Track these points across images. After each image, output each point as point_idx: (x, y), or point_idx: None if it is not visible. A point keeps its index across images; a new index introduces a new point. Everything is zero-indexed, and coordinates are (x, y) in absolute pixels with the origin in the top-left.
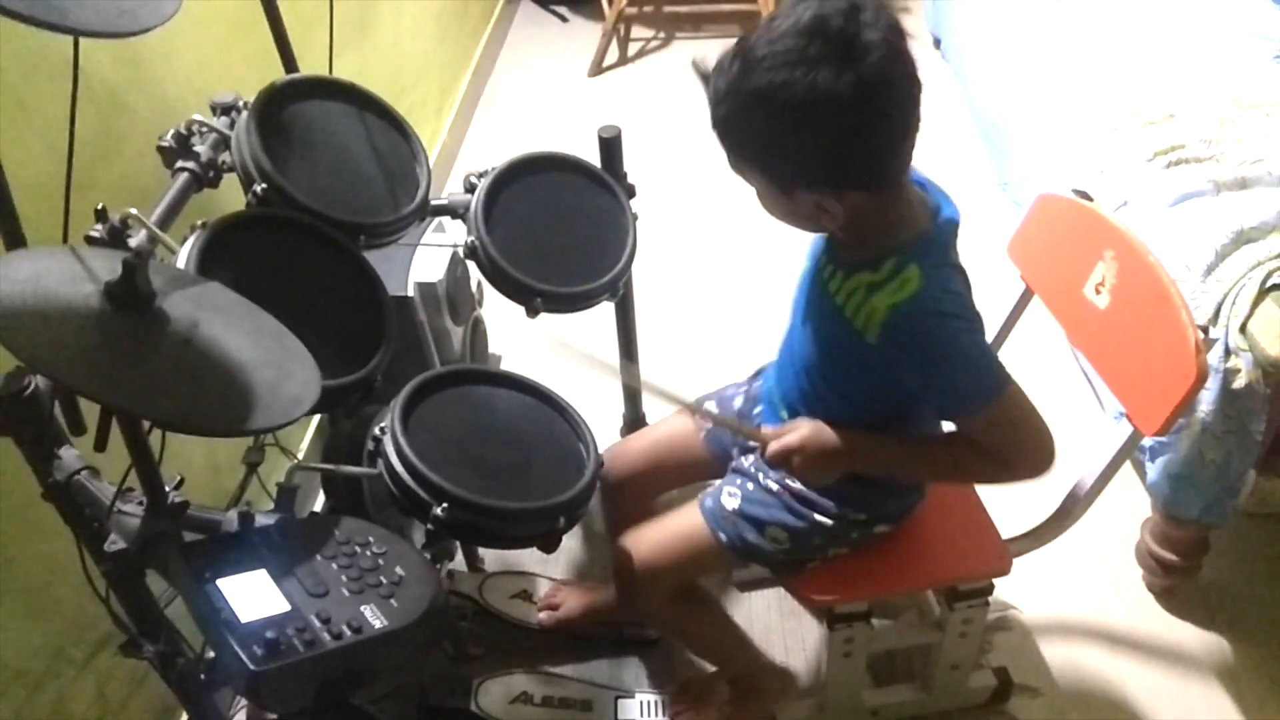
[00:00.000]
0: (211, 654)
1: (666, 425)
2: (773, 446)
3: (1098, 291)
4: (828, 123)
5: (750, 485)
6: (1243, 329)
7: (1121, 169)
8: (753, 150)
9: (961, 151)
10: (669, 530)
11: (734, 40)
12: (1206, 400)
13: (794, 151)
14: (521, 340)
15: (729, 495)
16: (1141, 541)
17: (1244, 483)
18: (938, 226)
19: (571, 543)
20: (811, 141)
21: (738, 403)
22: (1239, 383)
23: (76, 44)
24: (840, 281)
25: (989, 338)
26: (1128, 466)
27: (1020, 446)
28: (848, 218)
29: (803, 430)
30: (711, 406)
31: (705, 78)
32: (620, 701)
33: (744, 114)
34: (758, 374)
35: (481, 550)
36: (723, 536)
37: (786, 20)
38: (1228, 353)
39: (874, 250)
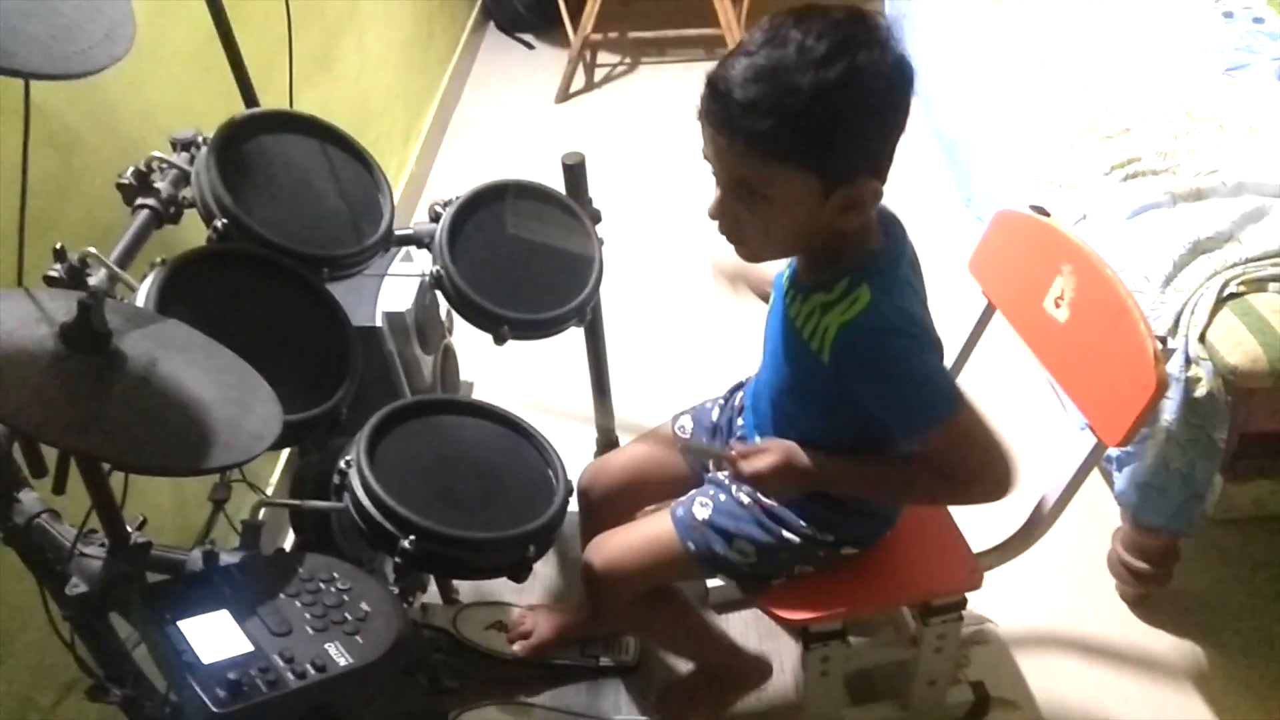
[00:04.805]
0: (176, 698)
1: (646, 442)
2: (744, 469)
3: (1057, 305)
4: (885, 100)
5: (722, 496)
6: (1202, 338)
7: (1080, 183)
8: (824, 143)
9: (925, 169)
10: (638, 535)
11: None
12: (1169, 409)
13: (860, 136)
14: (493, 368)
15: (701, 505)
16: (1113, 551)
17: (1210, 489)
18: (889, 242)
19: (546, 569)
20: (878, 121)
21: (715, 415)
22: (1200, 391)
23: (27, 86)
24: (799, 305)
25: (954, 353)
26: (1097, 477)
27: (974, 469)
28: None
29: (773, 455)
30: (686, 421)
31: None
32: None
33: (822, 104)
34: (736, 388)
35: (455, 581)
36: (691, 546)
37: (811, 21)
38: (1188, 362)
39: (830, 271)
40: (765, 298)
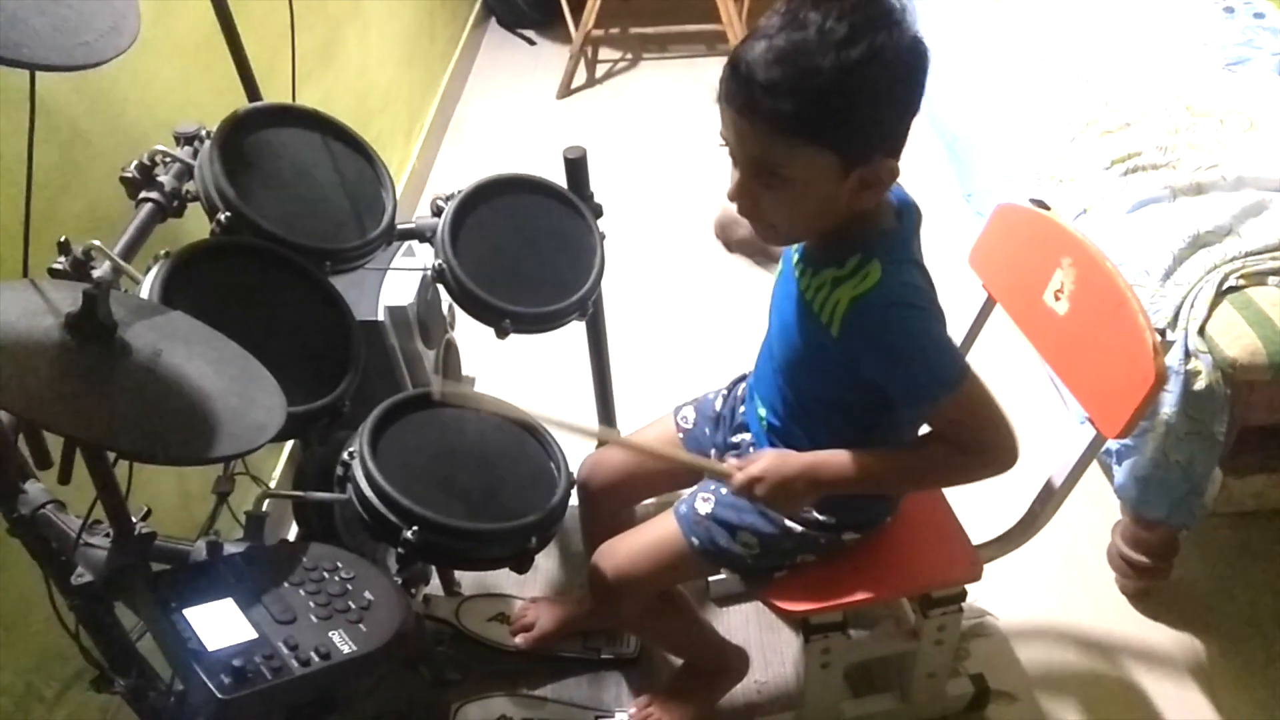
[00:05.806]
0: (181, 685)
1: (647, 433)
2: (736, 479)
3: (1057, 298)
4: (903, 80)
5: (724, 490)
6: (1201, 331)
7: (1080, 177)
8: (844, 124)
9: (926, 164)
10: (643, 539)
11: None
12: (1169, 402)
13: (879, 116)
14: (494, 362)
15: (703, 500)
16: (1113, 544)
17: (1210, 482)
18: (901, 223)
19: (548, 562)
20: (896, 101)
21: (718, 405)
22: (1200, 384)
23: (33, 77)
24: (809, 278)
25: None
26: (1096, 470)
27: (985, 439)
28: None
29: (764, 461)
30: (689, 412)
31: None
32: None
33: (843, 85)
34: (739, 380)
35: (457, 573)
36: (695, 540)
37: (829, 3)
38: (1188, 355)
39: (842, 247)
40: (755, 256)
